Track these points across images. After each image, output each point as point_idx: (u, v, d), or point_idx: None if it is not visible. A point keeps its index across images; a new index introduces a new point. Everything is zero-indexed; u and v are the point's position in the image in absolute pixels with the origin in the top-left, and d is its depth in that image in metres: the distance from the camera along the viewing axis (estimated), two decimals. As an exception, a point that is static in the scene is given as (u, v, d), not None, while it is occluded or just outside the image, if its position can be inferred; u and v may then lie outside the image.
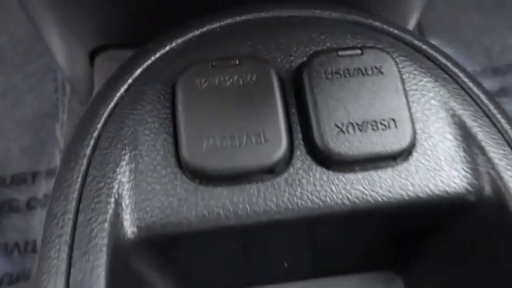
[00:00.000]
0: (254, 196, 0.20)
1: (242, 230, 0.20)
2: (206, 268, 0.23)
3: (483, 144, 0.21)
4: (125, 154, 0.20)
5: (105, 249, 0.19)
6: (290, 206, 0.20)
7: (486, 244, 0.22)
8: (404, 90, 0.21)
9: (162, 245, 0.20)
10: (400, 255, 0.24)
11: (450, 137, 0.21)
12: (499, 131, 0.21)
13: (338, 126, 0.20)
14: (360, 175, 0.20)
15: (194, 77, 0.21)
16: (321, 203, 0.20)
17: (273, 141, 0.20)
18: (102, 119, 0.21)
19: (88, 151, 0.20)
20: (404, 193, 0.20)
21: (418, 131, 0.21)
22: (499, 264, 0.21)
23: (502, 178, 0.20)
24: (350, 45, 0.23)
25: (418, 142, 0.21)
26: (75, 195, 0.19)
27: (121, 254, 0.19)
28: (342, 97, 0.21)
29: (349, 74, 0.21)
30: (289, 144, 0.20)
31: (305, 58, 0.22)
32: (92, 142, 0.21)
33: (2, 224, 0.46)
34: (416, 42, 0.24)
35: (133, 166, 0.20)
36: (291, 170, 0.20)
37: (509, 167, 0.21)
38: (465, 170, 0.21)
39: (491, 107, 0.22)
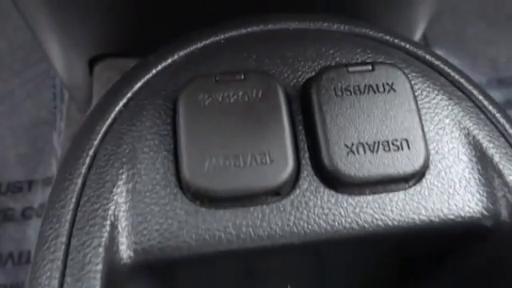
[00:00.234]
0: (258, 219, 0.19)
1: (245, 254, 0.19)
2: None
3: (500, 166, 0.20)
4: (122, 173, 0.19)
5: (99, 276, 0.18)
6: (295, 230, 0.19)
7: (502, 271, 0.21)
8: (417, 108, 0.20)
9: (160, 269, 0.19)
10: (411, 281, 0.24)
11: (465, 158, 0.21)
12: None
13: (347, 146, 0.20)
14: (370, 198, 0.20)
15: (197, 92, 0.20)
16: (328, 227, 0.19)
17: (278, 161, 0.19)
18: (99, 135, 0.20)
19: (83, 170, 0.19)
20: (416, 217, 0.20)
21: (432, 152, 0.20)
22: None
23: None
24: (360, 59, 0.22)
25: (432, 163, 0.20)
26: (68, 217, 0.19)
27: (116, 279, 0.18)
28: (352, 115, 0.20)
29: (359, 90, 0.20)
30: (295, 164, 0.20)
31: (313, 74, 0.21)
32: (88, 160, 0.20)
33: (-4, 233, 0.45)
34: (428, 58, 0.23)
35: (130, 185, 0.19)
36: (297, 191, 0.20)
37: None
38: (480, 194, 0.20)
39: (507, 126, 0.21)
